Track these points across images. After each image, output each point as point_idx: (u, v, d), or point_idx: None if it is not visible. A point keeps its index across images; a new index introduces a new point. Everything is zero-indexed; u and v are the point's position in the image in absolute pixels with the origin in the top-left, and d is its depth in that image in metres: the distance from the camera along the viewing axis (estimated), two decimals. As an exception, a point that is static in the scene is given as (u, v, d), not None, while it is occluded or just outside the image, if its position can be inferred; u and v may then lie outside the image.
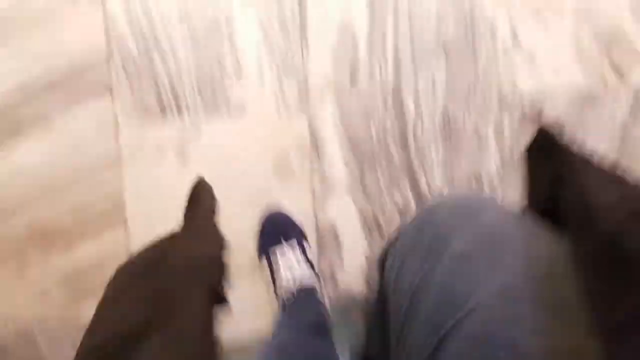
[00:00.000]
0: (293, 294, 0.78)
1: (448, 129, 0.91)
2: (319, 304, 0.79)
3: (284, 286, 0.79)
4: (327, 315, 0.78)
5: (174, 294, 0.31)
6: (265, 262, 0.86)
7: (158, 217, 0.82)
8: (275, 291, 0.83)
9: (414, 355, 0.33)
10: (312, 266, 0.85)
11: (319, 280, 0.85)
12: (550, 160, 0.36)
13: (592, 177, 0.30)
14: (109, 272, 0.35)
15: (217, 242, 0.44)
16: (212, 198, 0.53)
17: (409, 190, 0.91)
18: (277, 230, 0.87)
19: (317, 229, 0.90)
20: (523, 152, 0.40)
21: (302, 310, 0.75)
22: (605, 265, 0.25)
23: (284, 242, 0.85)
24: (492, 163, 0.92)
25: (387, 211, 0.91)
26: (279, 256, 0.83)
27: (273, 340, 0.65)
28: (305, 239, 0.89)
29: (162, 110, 0.87)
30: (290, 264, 0.81)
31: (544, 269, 0.31)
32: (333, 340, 0.71)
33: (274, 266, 0.84)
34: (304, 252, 0.85)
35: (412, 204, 0.91)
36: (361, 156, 0.90)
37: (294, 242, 0.85)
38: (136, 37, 0.86)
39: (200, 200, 0.49)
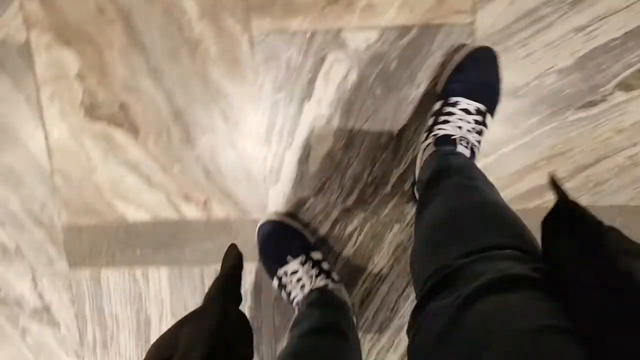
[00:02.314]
0: (303, 301, 0.77)
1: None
2: (328, 305, 0.75)
3: (296, 300, 0.79)
4: (339, 313, 0.74)
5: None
6: (276, 282, 0.83)
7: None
8: (291, 303, 0.82)
9: None
10: (328, 274, 0.82)
11: (336, 282, 0.82)
12: (570, 232, 0.37)
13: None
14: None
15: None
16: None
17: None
18: (278, 248, 0.82)
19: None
20: (542, 222, 0.41)
21: (309, 314, 0.72)
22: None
23: (290, 260, 0.81)
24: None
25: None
26: (288, 277, 0.81)
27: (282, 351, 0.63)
28: (312, 246, 0.84)
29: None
30: (302, 283, 0.79)
31: None
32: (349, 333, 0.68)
33: (286, 286, 0.81)
34: (314, 264, 0.81)
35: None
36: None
37: (302, 257, 0.81)
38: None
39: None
